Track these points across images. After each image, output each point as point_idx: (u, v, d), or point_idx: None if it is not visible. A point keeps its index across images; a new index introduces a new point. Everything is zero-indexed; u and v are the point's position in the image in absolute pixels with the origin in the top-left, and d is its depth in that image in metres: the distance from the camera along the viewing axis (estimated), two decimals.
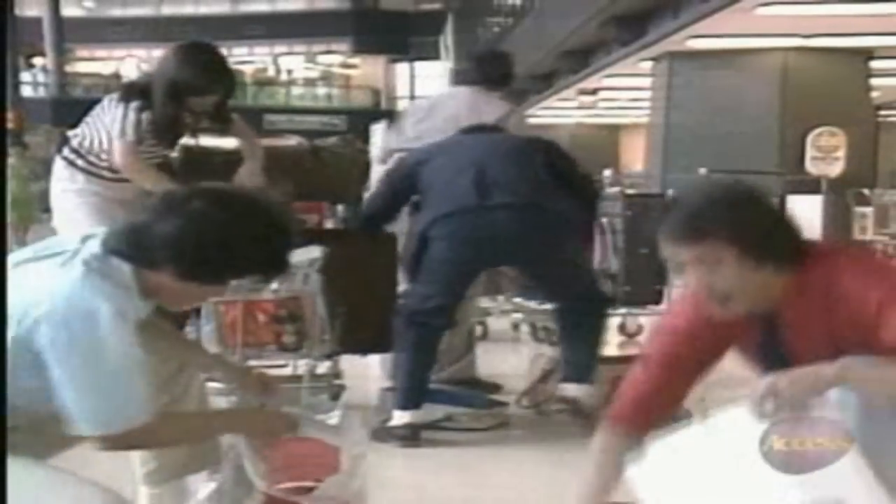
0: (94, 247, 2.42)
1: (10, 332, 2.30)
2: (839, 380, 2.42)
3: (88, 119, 4.66)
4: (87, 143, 4.63)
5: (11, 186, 14.80)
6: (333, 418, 2.80)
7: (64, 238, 2.52)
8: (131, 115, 4.47)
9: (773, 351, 2.62)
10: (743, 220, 2.51)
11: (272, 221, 2.46)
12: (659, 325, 2.85)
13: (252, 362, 4.48)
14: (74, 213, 4.61)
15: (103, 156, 4.58)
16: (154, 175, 4.48)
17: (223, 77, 4.51)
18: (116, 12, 45.14)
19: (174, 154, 4.71)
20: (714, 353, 2.75)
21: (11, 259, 2.45)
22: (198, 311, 4.45)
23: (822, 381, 2.42)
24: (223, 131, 4.69)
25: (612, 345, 7.08)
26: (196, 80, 4.40)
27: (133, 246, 2.40)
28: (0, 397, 2.02)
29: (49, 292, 2.32)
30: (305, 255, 4.36)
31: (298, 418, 2.67)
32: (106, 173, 4.62)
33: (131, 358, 2.38)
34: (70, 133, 4.73)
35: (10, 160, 15.48)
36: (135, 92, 4.54)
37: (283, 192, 4.44)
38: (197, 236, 2.37)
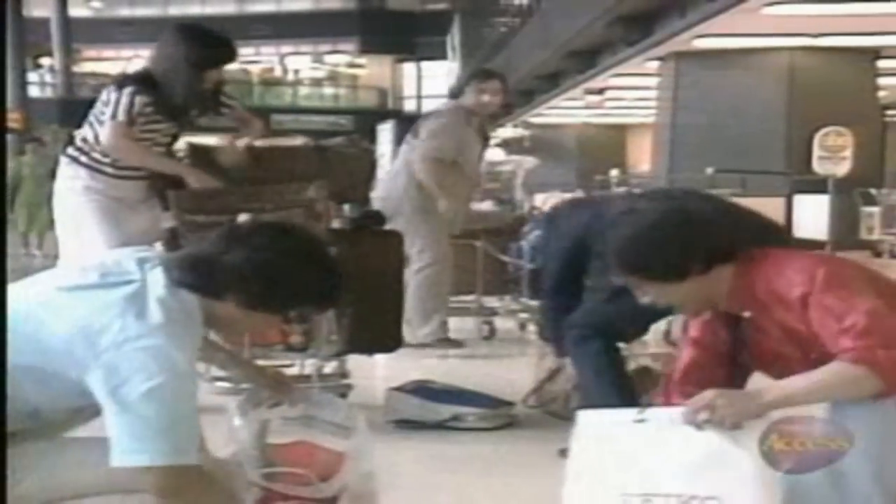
0: (160, 278, 2.43)
1: (56, 345, 2.31)
2: (777, 405, 2.50)
3: (90, 115, 4.69)
4: (90, 138, 4.65)
5: (26, 188, 14.36)
6: (340, 417, 2.81)
7: (121, 260, 2.50)
8: (124, 99, 4.54)
9: (743, 347, 2.70)
10: (634, 254, 2.67)
11: (327, 255, 2.61)
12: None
13: (260, 362, 4.49)
14: (77, 212, 4.62)
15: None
16: (142, 153, 4.59)
17: (230, 45, 4.82)
18: (124, 12, 45.20)
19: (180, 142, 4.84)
20: (725, 356, 2.81)
21: (64, 282, 2.45)
22: None
23: (758, 406, 2.50)
24: (227, 109, 5.00)
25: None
26: (210, 52, 4.68)
27: (201, 276, 2.44)
28: (0, 398, 2.01)
29: (121, 328, 2.32)
30: None
31: None
32: (108, 169, 4.63)
33: (194, 397, 2.41)
34: (76, 132, 4.75)
35: (26, 158, 15.12)
36: (130, 79, 4.64)
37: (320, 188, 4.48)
38: (264, 266, 2.45)
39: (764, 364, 2.71)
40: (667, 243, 2.65)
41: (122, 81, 4.64)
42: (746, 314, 2.67)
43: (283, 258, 2.48)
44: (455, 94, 6.96)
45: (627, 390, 4.13)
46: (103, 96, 4.64)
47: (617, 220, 2.77)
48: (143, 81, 4.61)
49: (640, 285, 2.72)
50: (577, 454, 2.68)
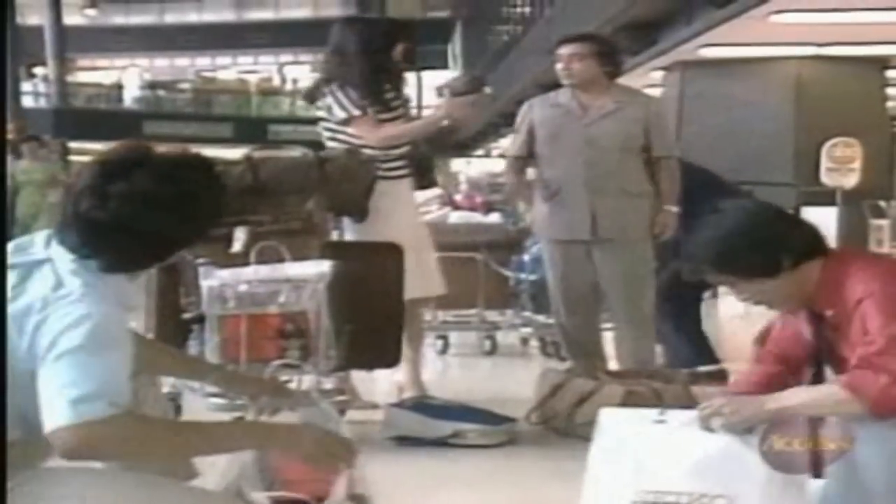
0: (62, 251, 2.39)
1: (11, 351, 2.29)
2: (778, 414, 2.62)
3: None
4: None
5: (24, 196, 13.32)
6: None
7: (33, 239, 2.46)
8: (338, 95, 5.22)
9: (822, 346, 2.80)
10: (729, 252, 2.81)
11: (196, 179, 2.45)
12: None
13: None
14: None
15: None
16: (400, 130, 5.28)
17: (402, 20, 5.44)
18: (118, 20, 45.24)
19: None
20: (800, 350, 2.95)
21: None
22: (202, 326, 4.46)
23: (761, 413, 2.64)
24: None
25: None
26: (398, 26, 5.64)
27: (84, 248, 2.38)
28: (0, 398, 2.00)
29: (42, 305, 2.30)
30: (313, 270, 4.37)
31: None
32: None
33: (124, 343, 2.34)
34: None
35: (23, 163, 13.91)
36: (319, 85, 5.35)
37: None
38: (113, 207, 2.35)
39: (836, 366, 2.81)
40: (757, 239, 2.80)
41: (315, 88, 5.37)
42: (829, 312, 2.78)
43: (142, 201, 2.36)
44: None
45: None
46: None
47: (702, 221, 2.90)
48: (331, 82, 5.28)
49: (733, 283, 2.85)
50: (598, 451, 2.79)
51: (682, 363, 5.78)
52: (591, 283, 5.51)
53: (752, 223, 2.83)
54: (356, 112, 5.21)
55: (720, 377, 5.53)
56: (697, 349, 5.96)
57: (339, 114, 5.24)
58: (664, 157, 5.50)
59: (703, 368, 5.78)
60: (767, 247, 2.79)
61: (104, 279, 2.38)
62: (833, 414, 2.61)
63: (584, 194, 5.40)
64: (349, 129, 5.23)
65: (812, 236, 2.85)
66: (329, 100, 5.27)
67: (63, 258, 2.39)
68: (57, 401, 2.21)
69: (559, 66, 5.48)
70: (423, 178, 5.90)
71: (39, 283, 2.35)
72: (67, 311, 2.29)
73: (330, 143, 5.31)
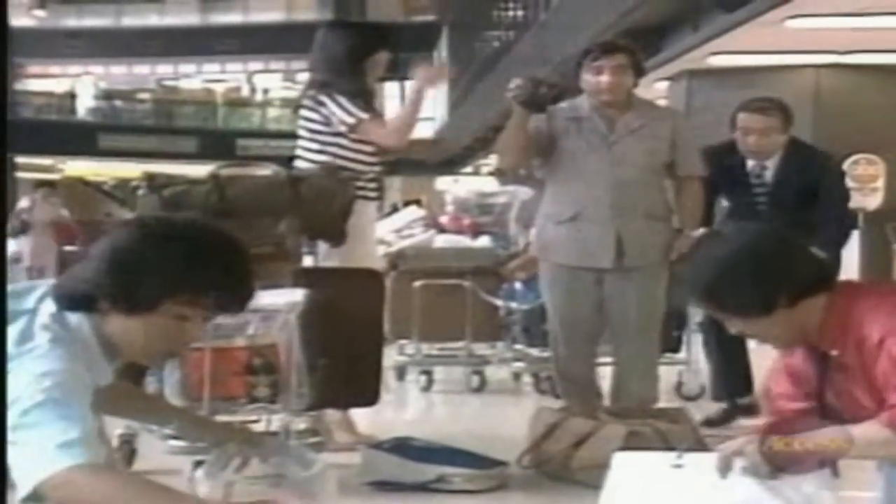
0: (49, 306, 2.47)
1: None
2: (812, 454, 2.69)
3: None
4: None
5: None
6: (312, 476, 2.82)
7: (21, 292, 2.53)
8: (341, 101, 5.40)
9: (827, 388, 2.81)
10: (717, 286, 2.82)
11: (208, 233, 2.55)
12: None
13: (221, 418, 4.48)
14: None
15: None
16: (405, 120, 5.57)
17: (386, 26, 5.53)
18: (71, 23, 45.21)
19: None
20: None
21: None
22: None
23: (793, 453, 2.68)
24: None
25: None
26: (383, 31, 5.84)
27: (77, 291, 2.46)
28: (0, 398, 2.07)
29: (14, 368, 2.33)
30: (285, 298, 4.38)
31: None
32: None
33: (84, 397, 2.40)
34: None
35: None
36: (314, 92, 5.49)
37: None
38: (118, 251, 2.45)
39: (844, 409, 2.82)
40: (750, 273, 2.80)
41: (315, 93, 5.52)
42: (834, 352, 2.77)
43: (139, 240, 2.47)
44: None
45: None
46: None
47: (696, 255, 2.92)
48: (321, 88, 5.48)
49: (726, 318, 2.88)
50: (609, 500, 2.83)
51: (724, 394, 6.26)
52: (596, 314, 5.51)
53: (746, 254, 2.83)
54: (365, 115, 5.36)
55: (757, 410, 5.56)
56: (735, 379, 6.24)
57: (347, 119, 5.37)
58: (689, 177, 5.54)
59: (741, 401, 6.14)
60: (761, 282, 2.78)
61: (75, 337, 2.43)
62: (874, 455, 2.66)
63: (608, 218, 5.39)
64: (358, 135, 5.40)
65: (816, 270, 2.86)
66: (332, 107, 5.40)
67: (44, 312, 2.45)
68: (36, 453, 2.30)
69: (592, 78, 5.43)
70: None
71: (11, 334, 2.39)
72: (28, 368, 2.35)
73: (314, 157, 5.37)
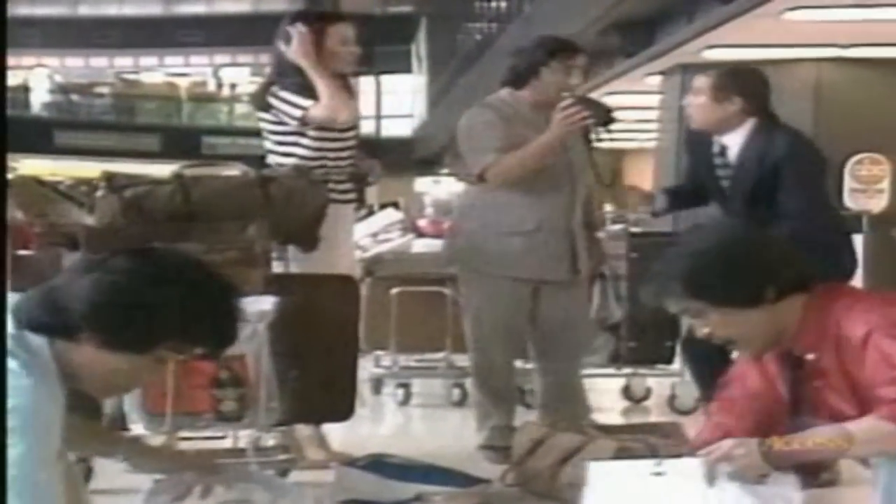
0: (9, 324, 2.45)
1: None
2: (805, 455, 2.76)
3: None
4: None
5: None
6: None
7: None
8: (285, 96, 5.35)
9: (802, 395, 2.82)
10: (703, 274, 2.84)
11: (206, 280, 2.55)
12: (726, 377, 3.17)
13: (185, 434, 4.48)
14: None
15: None
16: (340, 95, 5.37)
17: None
18: (23, 11, 45.06)
19: None
20: (771, 401, 3.01)
21: None
22: None
23: (783, 455, 2.74)
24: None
25: (615, 412, 7.11)
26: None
27: (48, 314, 2.45)
28: (0, 398, 2.08)
29: None
30: (254, 307, 4.38)
31: None
32: None
33: (53, 433, 2.44)
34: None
35: None
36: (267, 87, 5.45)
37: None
38: (117, 292, 2.44)
39: (816, 415, 2.84)
40: (741, 264, 2.84)
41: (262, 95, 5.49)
42: (810, 356, 2.79)
43: (141, 281, 2.47)
44: None
45: None
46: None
47: (680, 239, 2.93)
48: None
49: (703, 312, 2.88)
50: None
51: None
52: (529, 325, 5.67)
53: (734, 243, 2.88)
54: (308, 102, 5.29)
55: None
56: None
57: (294, 113, 5.33)
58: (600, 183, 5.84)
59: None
60: (750, 271, 2.82)
61: (37, 361, 2.42)
62: (875, 452, 2.68)
63: (565, 230, 5.56)
64: (309, 133, 5.33)
65: (800, 267, 2.89)
66: (279, 105, 5.37)
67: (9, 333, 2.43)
68: None
69: (563, 80, 5.51)
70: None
71: None
72: None
73: (282, 161, 5.36)
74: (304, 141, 5.37)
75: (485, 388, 5.77)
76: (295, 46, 5.32)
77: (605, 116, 5.50)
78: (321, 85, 5.29)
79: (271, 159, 5.49)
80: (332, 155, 5.43)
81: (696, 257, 2.85)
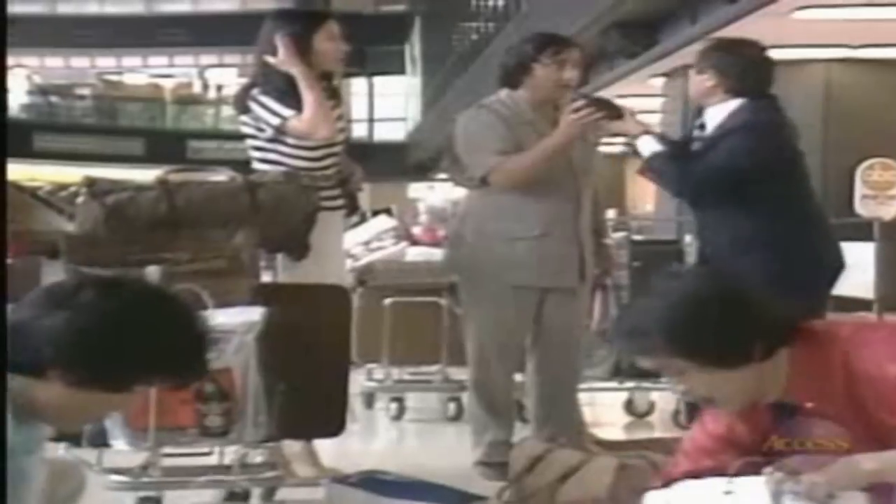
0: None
1: None
2: (879, 475, 2.65)
3: None
4: None
5: None
6: None
7: None
8: (264, 101, 5.29)
9: (798, 441, 2.81)
10: (688, 330, 2.69)
11: (179, 313, 2.57)
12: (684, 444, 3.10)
13: (168, 450, 4.48)
14: None
15: None
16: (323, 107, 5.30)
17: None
18: None
19: None
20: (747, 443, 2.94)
21: None
22: None
23: (855, 474, 2.65)
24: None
25: (617, 427, 7.11)
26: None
27: (13, 350, 2.43)
28: (0, 399, 2.10)
29: None
30: (241, 318, 4.38)
31: None
32: None
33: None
34: None
35: None
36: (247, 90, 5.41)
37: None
38: (89, 330, 2.44)
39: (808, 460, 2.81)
40: (729, 321, 2.71)
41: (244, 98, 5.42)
42: (810, 405, 2.75)
43: (113, 317, 2.47)
44: None
45: None
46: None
47: (657, 287, 2.81)
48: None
49: (683, 371, 2.76)
50: None
51: None
52: (529, 334, 5.68)
53: (720, 297, 2.73)
54: (289, 112, 5.23)
55: None
56: None
57: (272, 121, 5.27)
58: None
59: None
60: (738, 329, 2.70)
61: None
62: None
63: (572, 235, 5.54)
64: (287, 140, 5.28)
65: (787, 317, 2.79)
66: (257, 111, 5.32)
67: None
68: None
69: (554, 74, 5.50)
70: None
71: None
72: None
73: (261, 166, 5.34)
74: (283, 148, 5.33)
75: (483, 402, 5.77)
76: (282, 57, 5.31)
77: (616, 116, 5.50)
78: (308, 97, 5.23)
79: (255, 164, 5.48)
80: (314, 164, 5.38)
81: (679, 312, 2.70)
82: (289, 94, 5.26)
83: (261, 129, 5.33)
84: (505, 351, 5.64)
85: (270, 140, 5.31)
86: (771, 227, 5.28)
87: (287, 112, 5.23)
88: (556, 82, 5.49)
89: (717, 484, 2.81)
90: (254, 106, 5.33)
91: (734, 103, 5.34)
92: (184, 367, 2.60)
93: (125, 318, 2.48)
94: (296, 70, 5.25)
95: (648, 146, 5.42)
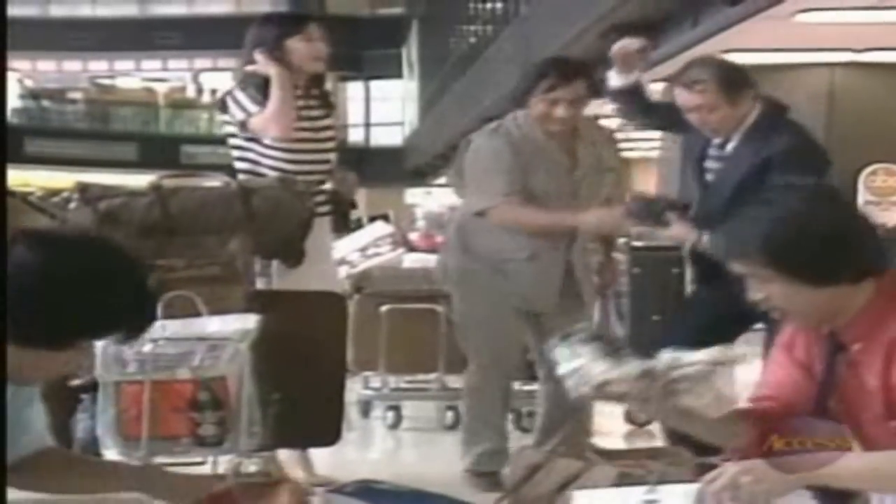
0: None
1: None
2: (826, 482, 2.67)
3: None
4: None
5: None
6: None
7: None
8: (237, 96, 5.38)
9: (831, 388, 2.83)
10: (787, 242, 2.76)
11: (115, 263, 2.57)
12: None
13: (160, 459, 4.47)
14: None
15: None
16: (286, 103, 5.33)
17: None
18: None
19: None
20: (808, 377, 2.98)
21: None
22: (94, 395, 4.45)
23: (793, 483, 2.67)
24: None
25: (616, 436, 7.11)
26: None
27: None
28: (0, 399, 2.16)
29: None
30: (235, 326, 4.38)
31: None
32: None
33: None
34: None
35: None
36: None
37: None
38: (23, 289, 2.45)
39: (845, 415, 2.82)
40: (831, 238, 2.78)
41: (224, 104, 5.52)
42: (857, 346, 2.77)
43: (41, 271, 2.48)
44: None
45: None
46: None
47: (769, 197, 2.90)
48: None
49: (770, 280, 2.80)
50: None
51: None
52: (531, 345, 5.74)
53: (826, 213, 2.81)
54: (254, 108, 5.28)
55: None
56: None
57: (238, 116, 5.34)
58: (616, 199, 5.68)
59: None
60: (838, 247, 2.77)
61: None
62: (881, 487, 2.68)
63: (561, 260, 5.53)
64: (264, 140, 5.33)
65: (881, 249, 2.86)
66: (231, 108, 5.39)
67: None
68: None
69: (546, 109, 5.39)
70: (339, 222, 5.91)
71: None
72: None
73: (239, 164, 5.38)
74: (259, 148, 5.34)
75: (477, 410, 5.77)
76: (259, 60, 5.34)
77: (664, 224, 5.34)
78: (274, 95, 5.27)
79: (235, 163, 5.51)
80: (290, 166, 5.36)
81: (783, 223, 2.78)
82: (262, 92, 5.30)
83: (235, 127, 5.39)
84: (500, 359, 5.65)
85: (248, 139, 5.34)
86: None
87: (253, 108, 5.26)
88: (550, 118, 5.40)
89: (636, 492, 2.82)
90: (229, 102, 5.37)
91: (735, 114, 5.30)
92: (124, 320, 2.60)
93: (54, 271, 2.48)
94: (272, 71, 5.27)
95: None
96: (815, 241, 2.76)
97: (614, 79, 5.59)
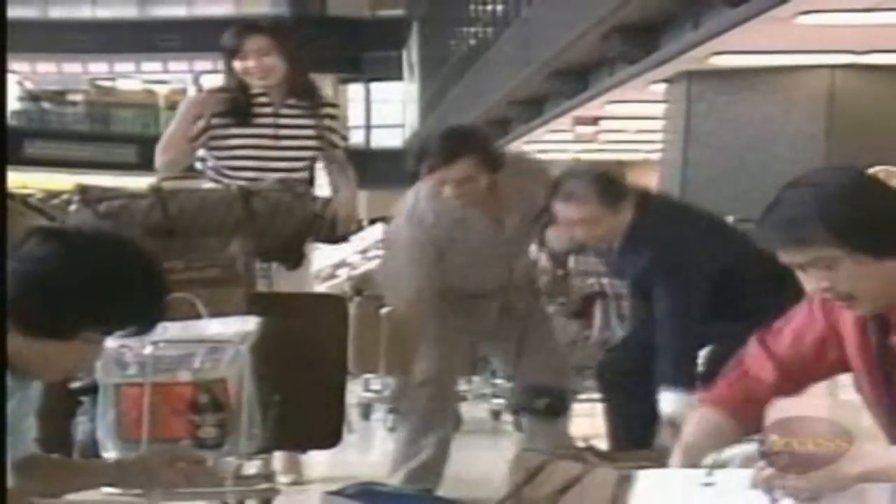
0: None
1: None
2: (867, 479, 2.68)
3: None
4: None
5: None
6: None
7: None
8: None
9: (883, 371, 2.90)
10: (848, 215, 2.78)
11: (125, 257, 2.63)
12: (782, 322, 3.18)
13: None
14: None
15: None
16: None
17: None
18: None
19: None
20: (832, 364, 3.07)
21: None
22: (94, 397, 4.46)
23: (840, 479, 2.68)
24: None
25: None
26: None
27: None
28: (0, 400, 2.20)
29: None
30: (236, 328, 4.38)
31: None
32: None
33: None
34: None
35: None
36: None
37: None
38: (33, 279, 2.53)
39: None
40: (892, 207, 2.83)
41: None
42: None
43: (54, 266, 2.55)
44: None
45: None
46: None
47: (807, 180, 2.91)
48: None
49: (836, 261, 2.80)
50: None
51: None
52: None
53: (878, 184, 2.87)
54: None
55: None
56: None
57: None
58: None
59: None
60: None
61: None
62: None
63: (497, 298, 5.59)
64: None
65: None
66: None
67: None
68: None
69: (442, 189, 5.22)
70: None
71: None
72: None
73: (199, 165, 5.55)
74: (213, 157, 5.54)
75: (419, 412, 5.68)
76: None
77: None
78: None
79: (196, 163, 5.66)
80: (234, 173, 5.55)
81: (839, 198, 2.80)
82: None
83: None
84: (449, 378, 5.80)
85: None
86: None
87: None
88: (442, 196, 5.27)
89: (696, 474, 2.88)
90: None
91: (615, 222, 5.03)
92: (132, 313, 2.65)
93: (63, 263, 2.55)
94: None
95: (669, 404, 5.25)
96: (875, 210, 2.79)
97: (554, 240, 5.61)
